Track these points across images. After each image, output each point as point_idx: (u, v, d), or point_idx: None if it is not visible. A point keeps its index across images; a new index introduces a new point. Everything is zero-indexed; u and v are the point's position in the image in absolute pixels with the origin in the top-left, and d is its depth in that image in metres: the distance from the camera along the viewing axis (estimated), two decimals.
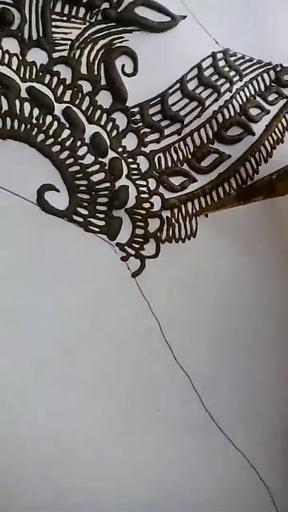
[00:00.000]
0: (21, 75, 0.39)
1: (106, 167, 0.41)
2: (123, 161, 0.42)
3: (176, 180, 0.44)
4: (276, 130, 0.48)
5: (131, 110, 0.43)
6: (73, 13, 0.41)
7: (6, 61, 0.38)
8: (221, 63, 0.46)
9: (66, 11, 0.41)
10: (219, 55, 0.46)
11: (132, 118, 0.43)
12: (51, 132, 0.39)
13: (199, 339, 0.43)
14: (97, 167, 0.40)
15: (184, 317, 0.43)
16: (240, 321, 0.44)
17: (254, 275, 0.45)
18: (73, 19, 0.41)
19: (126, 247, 0.41)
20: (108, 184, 0.41)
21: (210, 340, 0.43)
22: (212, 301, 0.43)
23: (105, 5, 0.42)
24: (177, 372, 0.43)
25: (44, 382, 0.38)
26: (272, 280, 0.45)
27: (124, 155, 0.42)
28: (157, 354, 0.42)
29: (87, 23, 0.41)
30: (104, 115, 0.42)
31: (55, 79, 0.40)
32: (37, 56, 0.40)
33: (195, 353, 0.43)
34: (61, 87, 0.40)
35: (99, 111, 0.42)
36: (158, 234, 0.43)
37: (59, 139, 0.39)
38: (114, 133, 0.42)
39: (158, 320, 0.42)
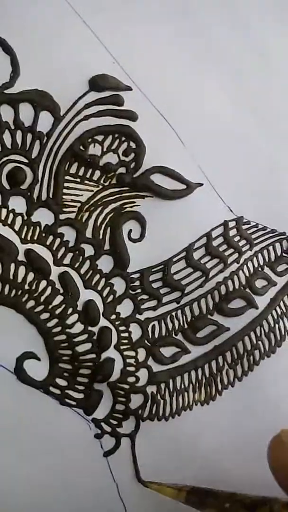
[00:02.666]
0: (23, 236, 0.37)
1: (94, 337, 0.38)
2: (114, 329, 0.39)
3: (167, 351, 0.41)
4: (281, 303, 0.45)
5: (132, 276, 0.40)
6: (88, 175, 0.40)
7: (9, 221, 0.37)
8: (233, 232, 0.44)
9: (81, 173, 0.39)
10: (231, 224, 0.44)
11: (131, 284, 0.40)
12: (42, 299, 0.37)
13: None
14: (84, 336, 0.38)
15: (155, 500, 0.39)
16: None
17: None
18: (86, 181, 0.39)
19: (102, 423, 0.38)
20: (93, 356, 0.38)
21: None
22: None
23: (121, 169, 0.40)
24: None
25: None
26: None
27: (117, 323, 0.39)
28: None
29: (100, 186, 0.40)
30: (103, 280, 0.39)
31: (57, 241, 0.38)
32: (43, 216, 0.38)
33: None
34: (63, 249, 0.38)
35: (98, 276, 0.39)
36: (140, 411, 0.39)
37: (50, 307, 0.37)
38: (110, 298, 0.39)
39: (125, 505, 0.38)
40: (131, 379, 0.39)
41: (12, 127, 0.38)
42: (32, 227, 0.37)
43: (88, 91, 0.40)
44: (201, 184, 0.43)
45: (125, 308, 0.40)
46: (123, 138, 0.40)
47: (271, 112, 0.47)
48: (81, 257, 0.38)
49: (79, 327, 0.37)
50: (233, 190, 0.45)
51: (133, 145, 0.41)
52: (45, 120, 0.38)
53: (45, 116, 0.38)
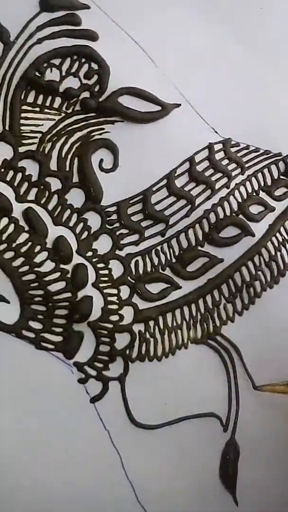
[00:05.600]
0: None
1: (68, 275, 0.34)
2: (91, 267, 0.35)
3: (154, 288, 0.36)
4: (282, 229, 0.40)
5: (107, 209, 0.36)
6: (47, 103, 0.35)
7: None
8: (220, 155, 0.39)
9: (39, 101, 0.35)
10: (218, 146, 0.39)
11: (108, 219, 0.36)
12: (4, 237, 0.33)
13: (167, 478, 0.35)
14: (56, 275, 0.34)
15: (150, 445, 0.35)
16: None
17: None
18: (46, 110, 0.35)
19: (86, 366, 0.34)
20: (69, 295, 0.34)
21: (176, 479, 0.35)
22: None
23: (85, 94, 0.36)
24: None
25: None
26: None
27: (94, 260, 0.35)
28: (117, 492, 0.34)
29: (63, 114, 0.35)
30: (75, 216, 0.35)
31: (18, 176, 0.34)
32: (1, 150, 0.34)
33: (161, 494, 0.35)
34: (25, 184, 0.34)
35: (68, 211, 0.35)
36: (128, 352, 0.35)
37: (14, 245, 0.33)
38: (85, 235, 0.35)
39: (120, 453, 0.34)
40: (114, 318, 0.34)
41: None
42: None
43: (39, 12, 0.36)
44: (179, 105, 0.38)
45: (102, 244, 0.35)
46: (83, 60, 0.36)
47: (250, 25, 0.41)
48: (47, 191, 0.34)
49: (49, 266, 0.33)
50: (218, 111, 0.39)
51: (95, 66, 0.36)
52: None
53: None
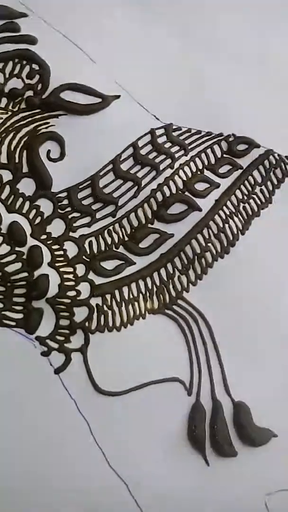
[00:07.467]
0: None
1: (24, 257, 0.36)
2: (46, 248, 0.37)
3: (109, 265, 0.39)
4: (229, 203, 0.42)
5: (58, 195, 0.38)
6: None
7: None
8: (162, 139, 0.41)
9: None
10: (159, 131, 0.41)
11: (59, 204, 0.38)
12: None
13: (136, 443, 0.36)
14: (13, 257, 0.36)
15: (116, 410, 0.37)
16: None
17: None
18: None
19: (48, 340, 0.36)
20: (25, 274, 0.36)
21: (147, 442, 0.36)
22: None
23: (29, 93, 0.39)
24: (111, 478, 0.36)
25: None
26: None
27: (49, 242, 0.37)
28: (88, 459, 0.36)
29: (10, 113, 0.38)
30: (27, 203, 0.38)
31: None
32: None
33: (131, 459, 0.36)
34: None
35: (21, 199, 0.37)
36: (87, 324, 0.37)
37: None
38: (38, 220, 0.38)
39: (88, 420, 0.36)
40: (71, 293, 0.36)
41: None
42: None
43: None
44: (118, 96, 0.40)
45: (56, 228, 0.38)
46: (24, 62, 0.39)
47: (183, 17, 0.44)
48: None
49: (5, 248, 0.36)
50: (158, 100, 0.42)
51: (36, 67, 0.39)
52: None
53: None
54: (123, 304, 0.38)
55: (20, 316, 0.35)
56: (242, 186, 0.42)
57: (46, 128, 0.38)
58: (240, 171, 0.42)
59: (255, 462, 0.37)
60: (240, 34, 0.44)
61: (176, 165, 0.40)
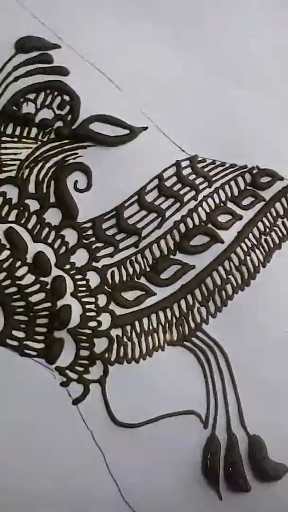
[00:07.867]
0: None
1: (48, 286, 0.37)
2: (69, 278, 0.38)
3: (130, 295, 0.39)
4: (251, 235, 0.42)
5: (83, 225, 0.39)
6: (25, 134, 0.39)
7: None
8: (187, 171, 0.42)
9: (17, 132, 0.39)
10: (185, 163, 0.41)
11: (84, 234, 0.39)
12: None
13: (150, 475, 0.36)
14: (37, 287, 0.36)
15: (132, 442, 0.37)
16: None
17: None
18: (24, 139, 0.39)
19: (67, 371, 0.36)
20: (48, 304, 0.36)
21: (162, 475, 0.37)
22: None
23: (59, 123, 0.39)
24: (125, 510, 0.36)
25: None
26: None
27: (72, 272, 0.38)
28: (102, 490, 0.36)
29: (39, 142, 0.39)
30: (53, 233, 0.38)
31: (0, 200, 0.37)
32: None
33: (145, 490, 0.36)
34: (6, 207, 0.37)
35: (46, 229, 0.38)
36: (107, 355, 0.37)
37: None
38: (63, 249, 0.38)
39: (103, 451, 0.36)
40: (93, 324, 0.37)
41: None
42: None
43: (15, 54, 0.39)
44: (146, 128, 0.41)
45: (80, 258, 0.38)
46: (56, 93, 0.39)
47: (207, 51, 0.44)
48: (26, 212, 0.37)
49: (30, 278, 0.36)
50: (184, 131, 0.42)
51: (67, 98, 0.40)
52: None
53: None
54: (143, 335, 0.38)
55: (41, 346, 0.36)
56: (264, 218, 0.42)
57: (74, 158, 0.39)
58: (262, 203, 0.42)
59: (269, 497, 0.37)
60: (266, 59, 0.43)
61: (200, 197, 0.40)
